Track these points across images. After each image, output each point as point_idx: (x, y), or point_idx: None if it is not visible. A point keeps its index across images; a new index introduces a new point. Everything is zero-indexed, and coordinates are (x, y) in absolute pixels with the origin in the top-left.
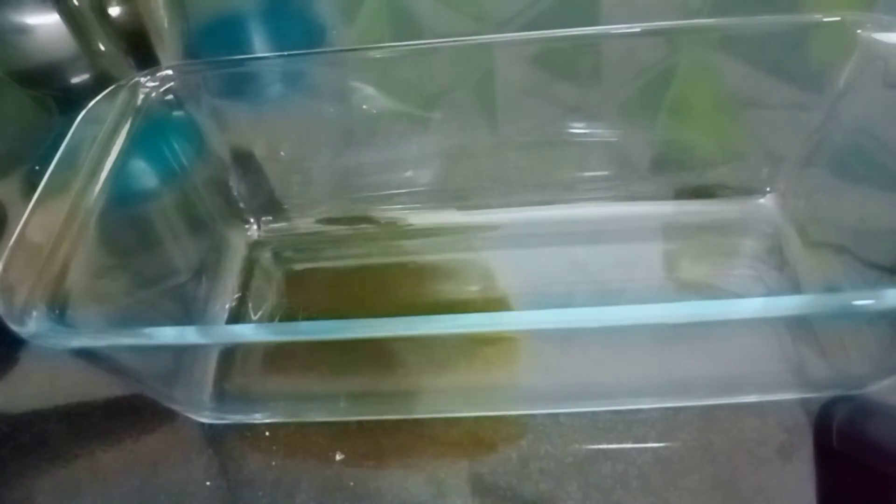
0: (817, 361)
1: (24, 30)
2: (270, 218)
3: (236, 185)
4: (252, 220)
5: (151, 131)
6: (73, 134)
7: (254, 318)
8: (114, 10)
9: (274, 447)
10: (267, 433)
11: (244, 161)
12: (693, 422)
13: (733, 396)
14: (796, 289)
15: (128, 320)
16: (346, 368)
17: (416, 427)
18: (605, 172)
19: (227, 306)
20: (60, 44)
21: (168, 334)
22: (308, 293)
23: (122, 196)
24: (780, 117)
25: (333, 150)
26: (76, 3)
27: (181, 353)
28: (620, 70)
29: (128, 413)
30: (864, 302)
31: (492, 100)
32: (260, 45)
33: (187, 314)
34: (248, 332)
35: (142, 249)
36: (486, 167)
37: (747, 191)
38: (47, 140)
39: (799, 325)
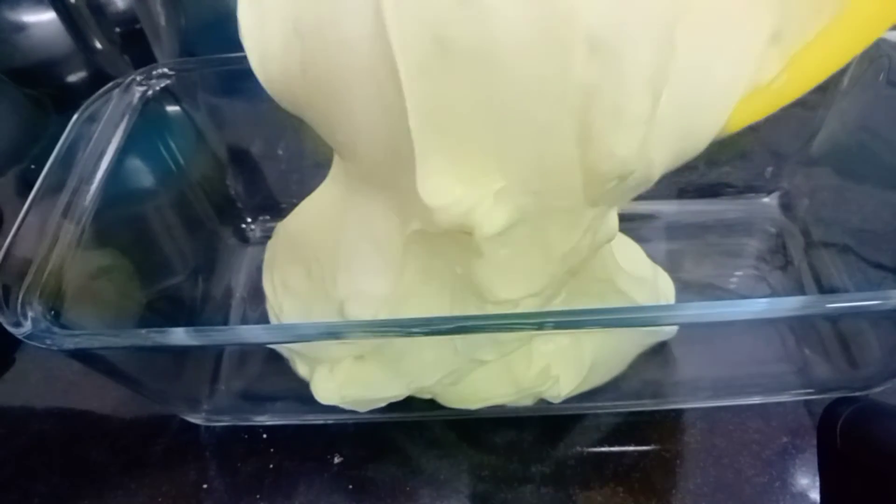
0: (821, 362)
1: (20, 28)
2: (268, 217)
3: (233, 184)
4: (249, 219)
5: (148, 130)
6: (69, 132)
7: (252, 318)
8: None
9: (272, 449)
10: (265, 435)
11: (241, 159)
12: (696, 424)
13: (737, 398)
14: (800, 289)
15: (124, 321)
16: None
17: (415, 428)
18: None
19: (225, 306)
20: (57, 42)
21: (165, 335)
22: None
23: (119, 195)
24: (784, 116)
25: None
26: (73, 1)
27: (178, 354)
28: None
29: (124, 415)
30: (868, 302)
31: None
32: None
33: (184, 314)
34: (246, 333)
35: (138, 249)
36: None
37: (751, 190)
38: (43, 138)
39: (803, 326)
